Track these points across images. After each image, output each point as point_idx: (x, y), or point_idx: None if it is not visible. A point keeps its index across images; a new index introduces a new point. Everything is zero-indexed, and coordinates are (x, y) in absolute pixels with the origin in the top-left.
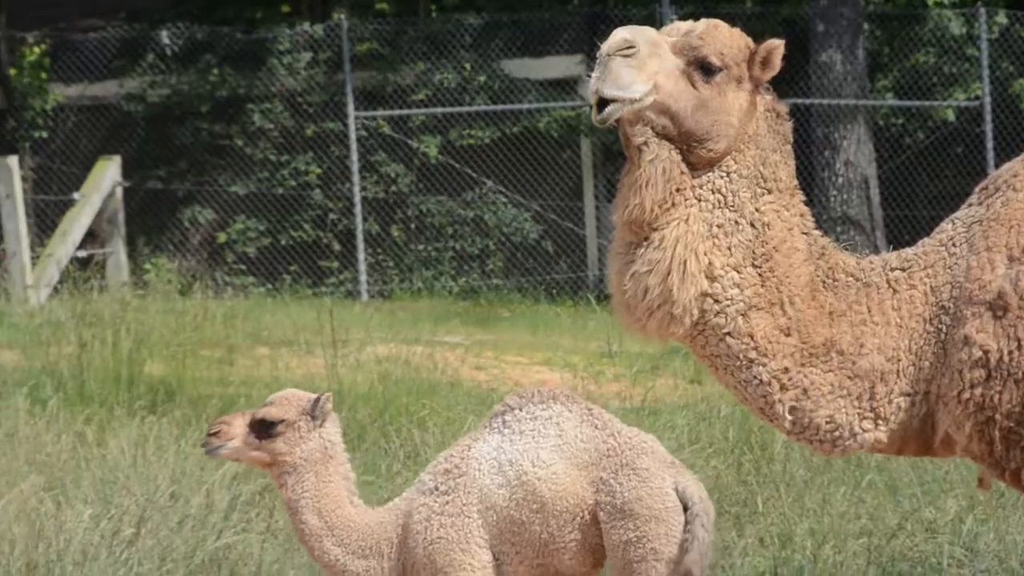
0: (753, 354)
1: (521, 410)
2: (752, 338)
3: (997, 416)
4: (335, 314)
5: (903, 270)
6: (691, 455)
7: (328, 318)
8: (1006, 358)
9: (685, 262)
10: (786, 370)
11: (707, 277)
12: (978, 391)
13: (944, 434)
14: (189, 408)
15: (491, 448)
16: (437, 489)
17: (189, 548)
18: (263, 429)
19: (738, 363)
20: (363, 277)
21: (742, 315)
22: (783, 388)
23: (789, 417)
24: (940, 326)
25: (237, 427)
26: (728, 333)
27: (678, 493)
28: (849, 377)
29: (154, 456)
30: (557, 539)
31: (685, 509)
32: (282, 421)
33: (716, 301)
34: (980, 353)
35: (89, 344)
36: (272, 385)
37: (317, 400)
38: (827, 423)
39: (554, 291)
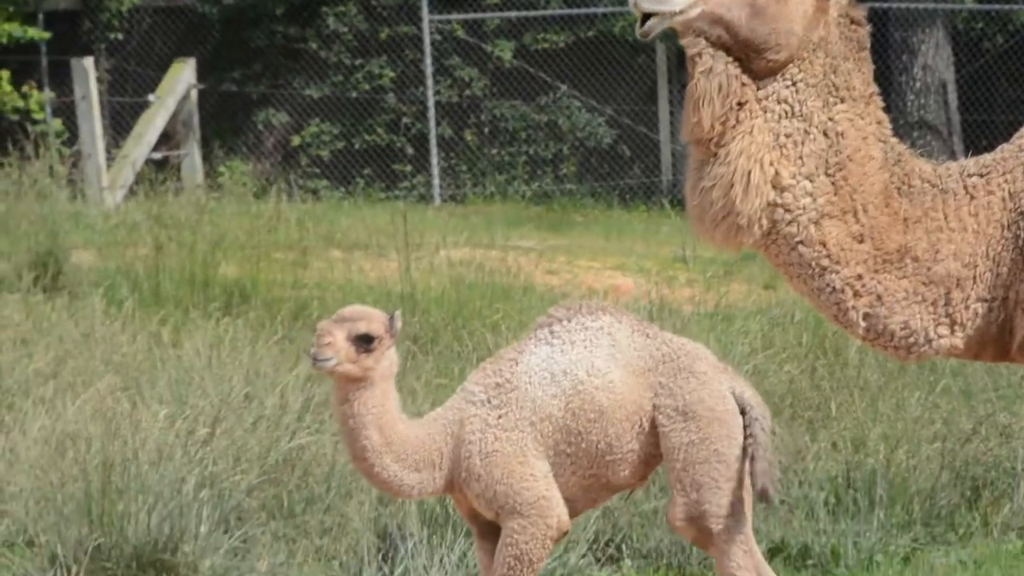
0: (826, 262)
1: (570, 321)
2: (824, 246)
3: None
4: (408, 218)
5: (981, 176)
6: (765, 360)
7: (401, 222)
8: None
9: (749, 173)
10: (859, 277)
11: (774, 187)
12: None
13: (1020, 340)
14: (263, 310)
15: (541, 359)
16: (489, 402)
17: (263, 448)
18: (362, 344)
19: (811, 271)
20: (436, 181)
21: (814, 223)
22: (856, 295)
23: (863, 324)
24: (1019, 232)
25: (340, 340)
26: (800, 242)
27: (735, 397)
28: (924, 283)
29: (228, 357)
30: (615, 449)
31: (742, 413)
32: (378, 337)
33: (787, 211)
34: None
35: (164, 246)
36: (346, 288)
37: (392, 317)
38: (902, 329)
39: (627, 196)
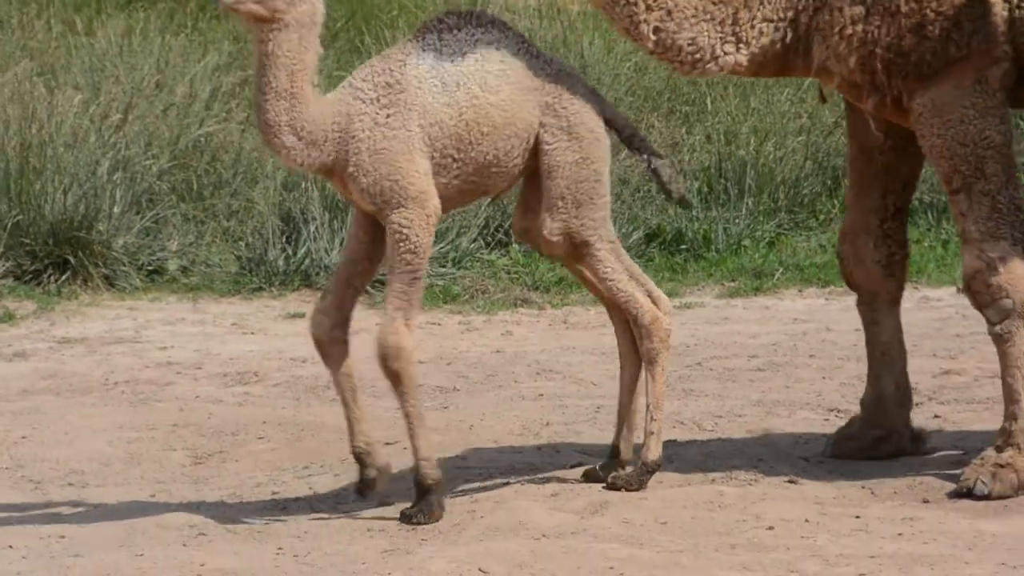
0: None
1: (460, 31)
2: None
3: (878, 50)
4: None
5: None
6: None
7: None
8: None
9: None
10: None
11: None
12: (859, 27)
13: (820, 64)
14: (173, 1)
15: (429, 66)
16: (379, 100)
17: (173, 135)
18: None
19: None
20: None
21: None
22: (648, 8)
23: (653, 37)
24: None
25: None
26: None
27: (605, 119)
28: (714, 2)
29: (140, 47)
30: (502, 161)
31: (617, 131)
32: None
33: None
34: None
35: None
36: None
37: None
38: (689, 45)
39: None
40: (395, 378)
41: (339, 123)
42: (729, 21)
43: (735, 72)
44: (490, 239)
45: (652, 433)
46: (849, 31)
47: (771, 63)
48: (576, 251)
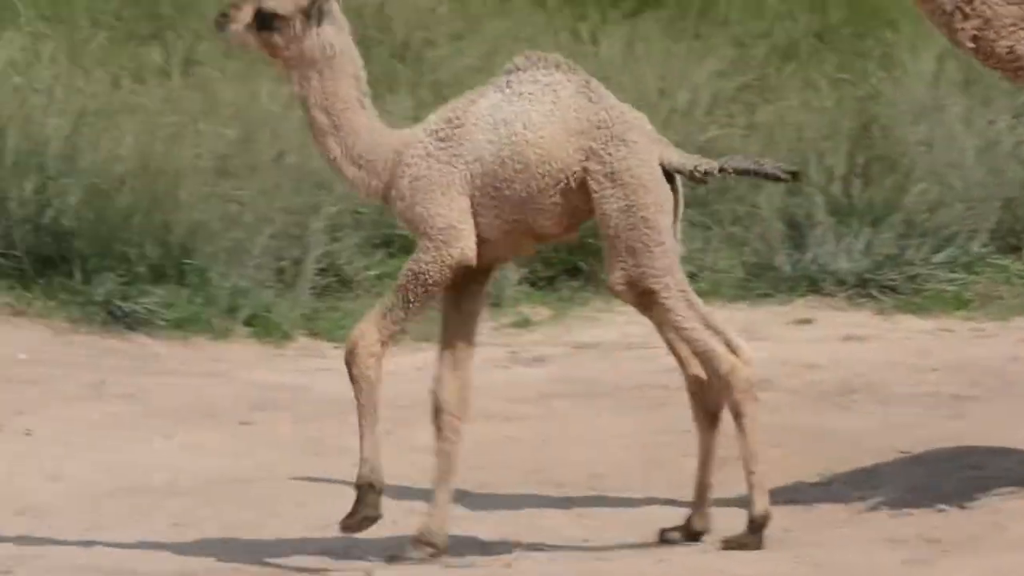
0: None
1: (525, 72)
2: None
3: None
4: None
5: None
6: None
7: None
8: None
9: None
10: (969, 1)
11: None
12: None
13: None
14: (675, 8)
15: (490, 105)
16: (437, 133)
17: (680, 138)
18: (263, 21)
19: None
20: None
21: None
22: (965, 17)
23: (971, 45)
24: None
25: (245, 13)
26: None
27: (664, 165)
28: None
29: (642, 54)
30: (537, 200)
31: (672, 179)
32: (277, 16)
33: None
34: None
35: None
36: None
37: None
38: (1007, 53)
39: None
40: (351, 378)
41: (399, 151)
42: None
43: None
44: (1001, 243)
45: (754, 487)
46: None
47: None
48: (643, 300)
